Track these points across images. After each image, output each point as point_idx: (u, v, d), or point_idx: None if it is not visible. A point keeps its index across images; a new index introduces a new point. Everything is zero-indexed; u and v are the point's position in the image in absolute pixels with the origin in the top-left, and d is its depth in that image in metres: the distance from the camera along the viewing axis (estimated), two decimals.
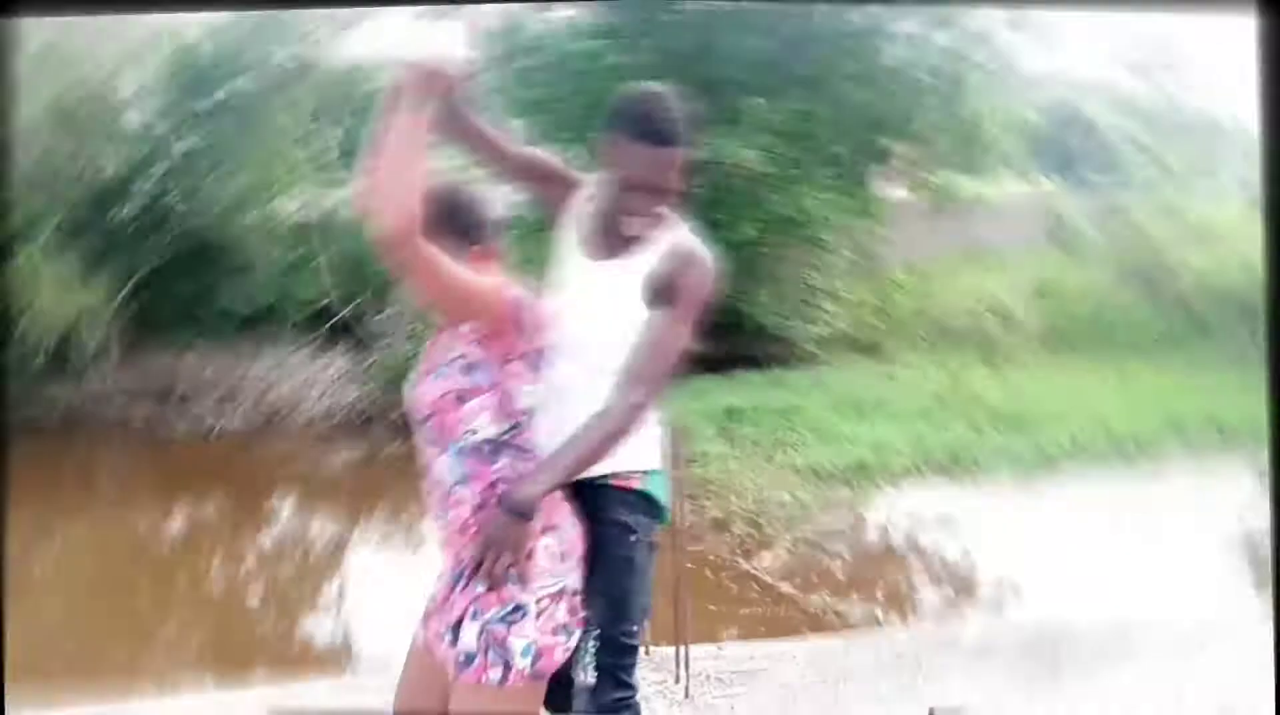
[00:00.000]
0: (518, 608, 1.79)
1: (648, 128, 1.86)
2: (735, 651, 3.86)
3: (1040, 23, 12.95)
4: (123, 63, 11.57)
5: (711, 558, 6.64)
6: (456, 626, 1.81)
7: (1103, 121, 38.79)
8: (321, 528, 8.28)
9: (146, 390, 11.21)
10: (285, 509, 8.84)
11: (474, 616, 1.79)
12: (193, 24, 11.81)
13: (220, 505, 8.80)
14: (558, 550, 1.86)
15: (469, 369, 1.82)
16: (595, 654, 1.86)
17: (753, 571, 6.55)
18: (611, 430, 1.86)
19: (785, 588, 6.32)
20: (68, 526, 8.26)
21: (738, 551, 6.89)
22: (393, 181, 1.62)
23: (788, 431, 9.60)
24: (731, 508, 7.69)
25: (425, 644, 1.95)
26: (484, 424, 1.84)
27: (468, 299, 1.81)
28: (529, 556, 1.81)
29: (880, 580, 6.76)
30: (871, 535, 7.57)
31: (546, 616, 1.81)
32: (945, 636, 4.01)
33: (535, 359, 1.89)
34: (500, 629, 1.78)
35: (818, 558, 6.93)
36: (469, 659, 1.77)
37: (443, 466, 1.85)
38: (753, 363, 12.78)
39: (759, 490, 8.07)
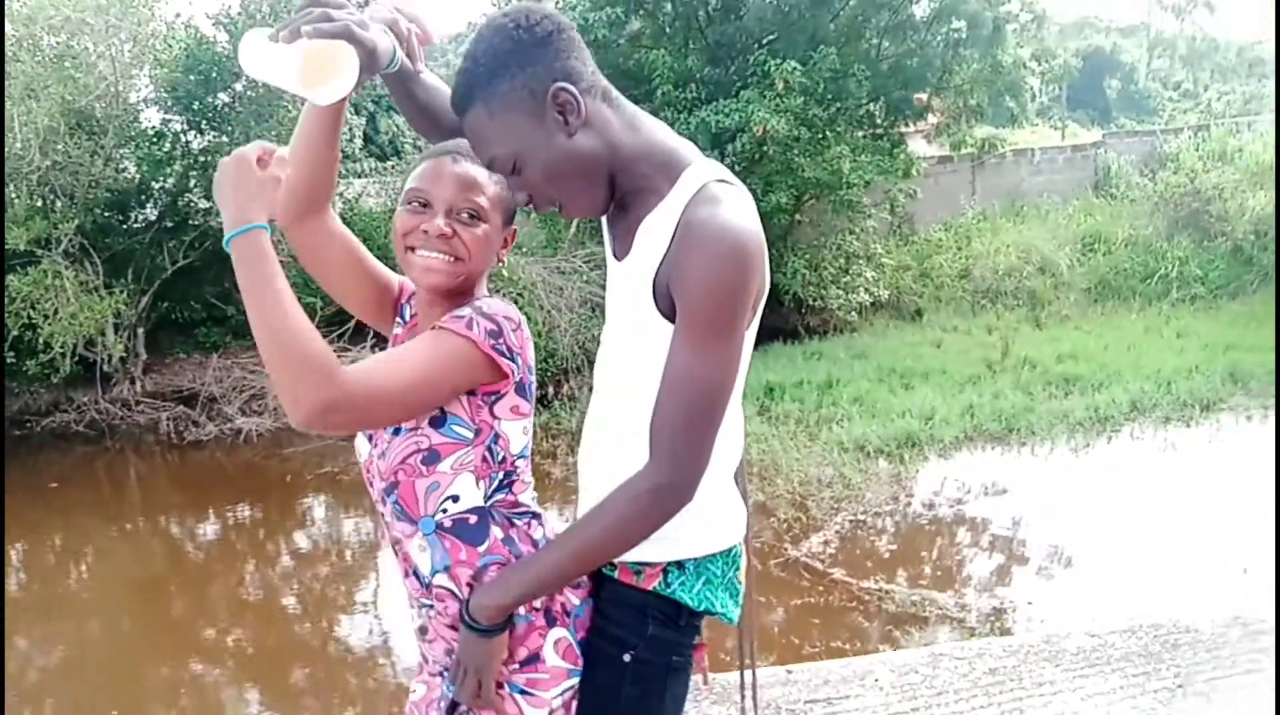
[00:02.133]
0: None
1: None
2: (807, 675, 3.44)
3: None
4: (137, 60, 11.40)
5: (758, 545, 6.34)
6: None
7: (1143, 67, 37.71)
8: (355, 527, 8.11)
9: (174, 394, 11.12)
10: (316, 509, 8.68)
11: None
12: (206, 17, 11.64)
13: (252, 508, 8.67)
14: (573, 642, 1.42)
15: (439, 420, 1.38)
16: None
17: (801, 558, 6.24)
18: (630, 516, 1.29)
19: (837, 574, 6.01)
20: (102, 533, 8.17)
21: (784, 537, 6.58)
22: (292, 174, 1.42)
23: (830, 406, 9.24)
24: (776, 491, 7.38)
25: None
26: (466, 488, 1.40)
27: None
28: (536, 660, 1.40)
29: (933, 560, 6.43)
30: (923, 512, 7.22)
31: None
32: (1046, 648, 3.58)
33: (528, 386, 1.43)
34: None
35: (868, 539, 6.61)
36: None
37: (417, 551, 1.41)
38: (791, 336, 12.46)
39: (804, 470, 7.75)
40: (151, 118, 12.08)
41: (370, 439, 1.47)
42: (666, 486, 1.27)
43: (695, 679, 1.53)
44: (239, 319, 12.10)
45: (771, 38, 12.40)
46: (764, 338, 12.04)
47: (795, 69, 11.08)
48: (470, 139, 1.35)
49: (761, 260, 1.29)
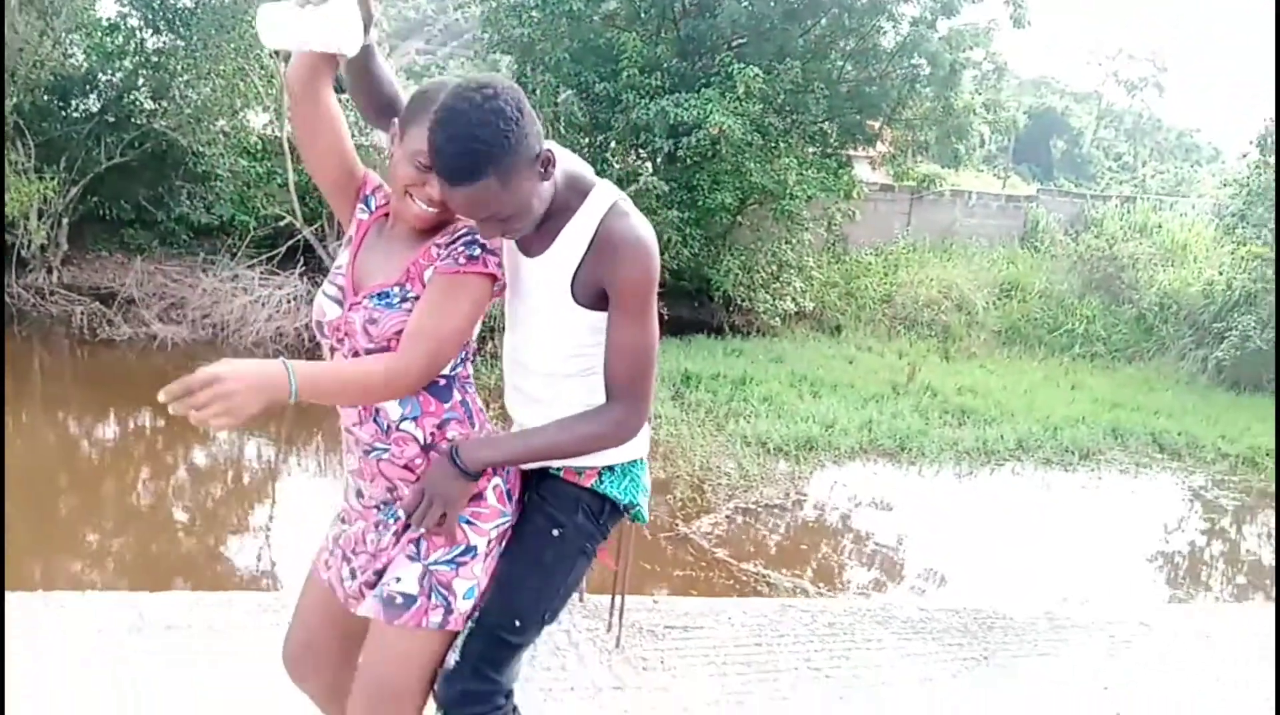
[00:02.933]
0: (468, 550, 1.70)
1: (436, 163, 1.54)
2: (670, 606, 3.81)
3: (1042, 27, 12.93)
4: None
5: (652, 518, 6.60)
6: (386, 568, 1.72)
7: (1089, 133, 39.11)
8: (256, 451, 8.12)
9: (91, 290, 10.91)
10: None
11: (414, 558, 1.68)
12: None
13: (155, 416, 8.60)
14: (505, 489, 1.75)
15: None
16: (465, 637, 1.69)
17: (690, 535, 6.55)
18: (595, 438, 1.71)
19: (720, 553, 6.33)
20: None
21: (678, 515, 6.88)
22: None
23: (741, 402, 9.59)
24: (677, 472, 7.68)
25: (328, 584, 1.85)
26: None
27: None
28: (479, 497, 1.72)
29: (814, 556, 6.80)
30: (811, 512, 7.60)
31: (492, 557, 1.72)
32: (880, 612, 3.99)
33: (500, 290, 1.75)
34: (446, 571, 1.68)
35: (755, 528, 6.95)
36: (408, 601, 1.66)
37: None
38: (715, 331, 12.80)
39: (706, 457, 8.07)
40: (108, 8, 11.80)
41: (341, 303, 1.71)
42: (627, 423, 1.71)
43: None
44: (168, 225, 11.91)
45: (741, 42, 12.69)
46: (688, 329, 12.31)
47: (758, 75, 11.38)
48: (470, 204, 1.56)
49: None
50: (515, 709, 1.79)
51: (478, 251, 1.64)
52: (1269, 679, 3.66)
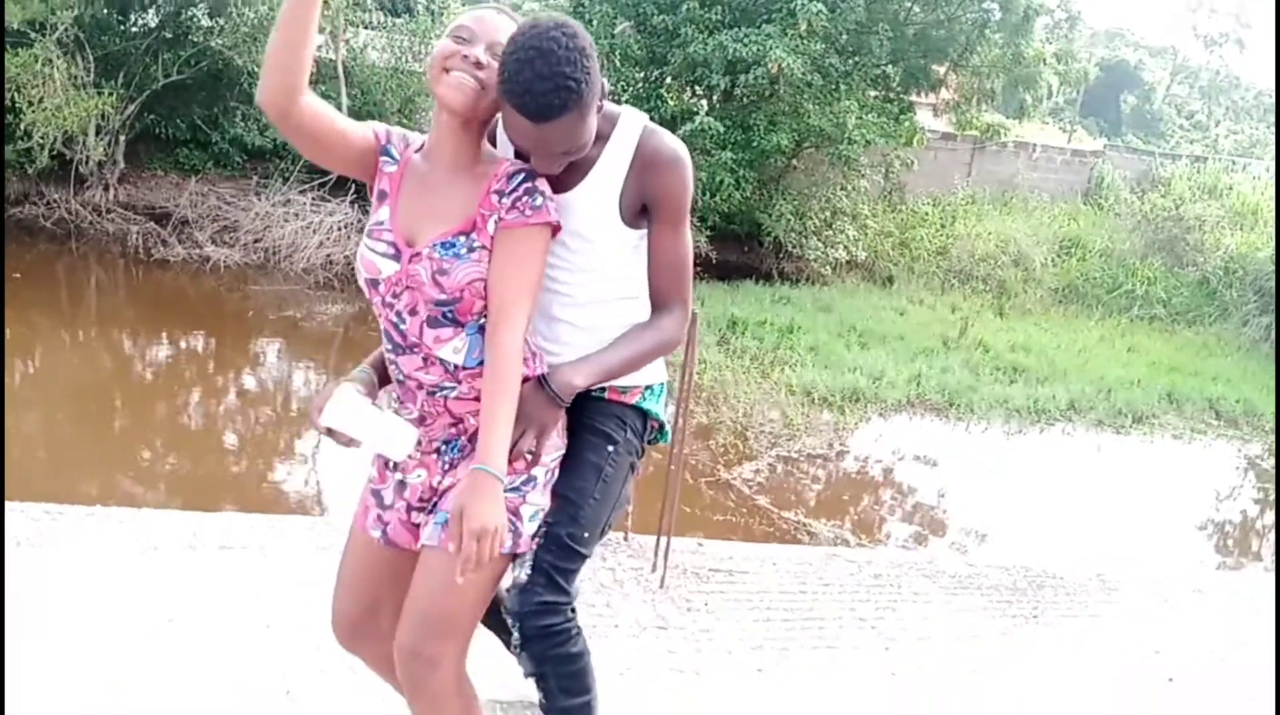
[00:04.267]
0: (529, 479, 1.75)
1: (524, 100, 1.57)
2: (715, 550, 3.80)
3: None
4: None
5: (693, 462, 6.58)
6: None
7: (1161, 89, 37.73)
8: (306, 379, 8.20)
9: (146, 209, 11.01)
10: (271, 352, 8.75)
11: None
12: None
13: (207, 338, 8.71)
14: (561, 423, 1.81)
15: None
16: (536, 551, 1.76)
17: (731, 481, 6.51)
18: (660, 346, 1.84)
19: (761, 501, 6.29)
20: (53, 334, 8.18)
21: (719, 460, 6.84)
22: (273, 57, 1.60)
23: (787, 350, 9.48)
24: (720, 417, 7.63)
25: (390, 532, 1.81)
26: None
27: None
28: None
29: (855, 507, 6.74)
30: (853, 463, 7.53)
31: (549, 484, 1.79)
32: (928, 566, 3.94)
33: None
34: (513, 497, 1.72)
35: (797, 477, 6.90)
36: None
37: (451, 352, 1.70)
38: (764, 277, 12.64)
39: (750, 404, 8.00)
40: None
41: (396, 258, 1.67)
42: (681, 327, 1.88)
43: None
44: (222, 146, 11.94)
45: None
46: (736, 274, 12.15)
47: (822, 12, 11.03)
48: (552, 139, 1.62)
49: None
50: (579, 625, 1.86)
51: (539, 199, 1.67)
52: None
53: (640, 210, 1.79)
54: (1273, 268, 13.81)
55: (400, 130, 1.81)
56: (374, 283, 1.70)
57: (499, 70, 1.61)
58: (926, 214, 15.19)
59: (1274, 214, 15.75)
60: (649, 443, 1.99)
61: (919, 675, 3.11)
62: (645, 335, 1.83)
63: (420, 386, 1.74)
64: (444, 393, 1.74)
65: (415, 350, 1.71)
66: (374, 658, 1.92)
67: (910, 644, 3.29)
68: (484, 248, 1.66)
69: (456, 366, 1.71)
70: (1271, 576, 6.31)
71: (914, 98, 13.92)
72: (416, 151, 1.75)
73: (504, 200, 1.66)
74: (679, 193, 1.78)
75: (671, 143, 1.78)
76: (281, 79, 1.60)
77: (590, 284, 1.82)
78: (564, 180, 1.75)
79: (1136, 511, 7.11)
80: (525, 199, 1.66)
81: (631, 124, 1.78)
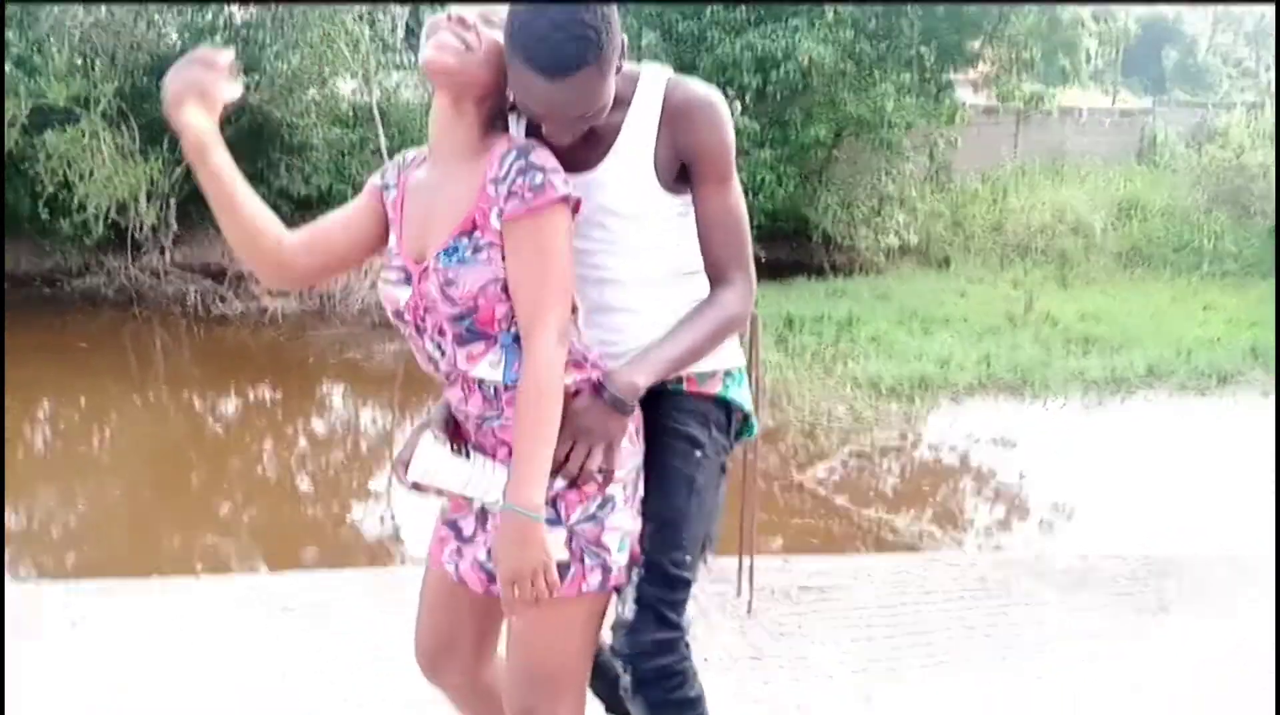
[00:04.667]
0: (605, 501, 1.53)
1: (538, 50, 1.38)
2: (803, 565, 3.54)
3: None
4: None
5: (763, 466, 6.44)
6: None
7: (1204, 40, 36.65)
8: (373, 418, 8.26)
9: (202, 268, 11.22)
10: (336, 396, 8.83)
11: (555, 522, 1.50)
12: None
13: (273, 388, 8.82)
14: (633, 428, 1.57)
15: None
16: (638, 585, 1.57)
17: (805, 483, 6.36)
18: (725, 323, 1.60)
19: (839, 501, 6.13)
20: (126, 399, 8.34)
21: (790, 462, 6.70)
22: (233, 243, 1.53)
23: (848, 343, 9.29)
24: (786, 419, 7.48)
25: (455, 576, 1.66)
26: None
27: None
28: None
29: (935, 498, 6.55)
30: (929, 452, 7.32)
31: (633, 502, 1.57)
32: (1036, 563, 3.70)
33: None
34: (592, 528, 1.53)
35: (873, 472, 6.73)
36: (562, 570, 1.50)
37: (488, 368, 1.50)
38: (816, 272, 12.45)
39: (815, 402, 7.84)
40: None
41: (409, 282, 1.53)
42: (749, 294, 1.64)
43: None
44: (269, 199, 11.95)
45: None
46: (788, 272, 12.01)
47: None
48: (568, 98, 1.42)
49: None
50: (694, 666, 1.69)
51: (539, 177, 1.42)
52: None
53: (679, 172, 1.58)
54: None
55: (398, 156, 1.66)
56: (399, 315, 1.57)
57: (508, 21, 1.41)
58: (976, 191, 14.87)
59: None
60: (736, 438, 1.75)
61: (1039, 685, 2.86)
62: (706, 315, 1.59)
63: (467, 418, 1.58)
64: (489, 424, 1.55)
65: (456, 379, 1.55)
66: (454, 689, 1.80)
67: (1028, 651, 3.06)
68: (492, 244, 1.45)
69: (497, 387, 1.50)
70: None
71: (951, 75, 13.65)
72: (420, 164, 1.58)
73: (500, 188, 1.43)
74: (719, 142, 1.56)
75: (702, 88, 1.58)
76: (253, 254, 1.54)
77: (642, 265, 1.62)
78: (588, 155, 1.56)
79: (1238, 480, 6.72)
80: (521, 181, 1.42)
81: (654, 79, 1.58)
